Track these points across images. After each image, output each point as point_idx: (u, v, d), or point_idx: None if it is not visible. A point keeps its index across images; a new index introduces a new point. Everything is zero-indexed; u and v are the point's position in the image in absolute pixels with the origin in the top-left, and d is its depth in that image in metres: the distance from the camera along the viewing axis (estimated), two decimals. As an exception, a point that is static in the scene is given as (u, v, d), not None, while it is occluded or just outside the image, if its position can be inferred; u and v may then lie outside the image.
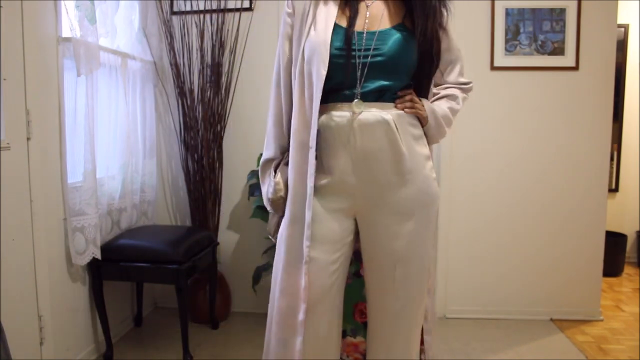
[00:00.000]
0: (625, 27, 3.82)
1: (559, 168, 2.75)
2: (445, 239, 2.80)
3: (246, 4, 2.72)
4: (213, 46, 2.67)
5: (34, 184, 1.84)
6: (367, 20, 1.30)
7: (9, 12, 1.70)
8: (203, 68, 2.68)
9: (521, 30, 2.68)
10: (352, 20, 1.29)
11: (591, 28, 2.65)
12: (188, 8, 2.72)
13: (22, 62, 1.77)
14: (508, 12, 2.68)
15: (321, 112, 1.30)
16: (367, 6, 1.32)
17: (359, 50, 1.27)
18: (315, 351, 1.34)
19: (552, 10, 2.66)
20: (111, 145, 2.34)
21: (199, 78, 2.69)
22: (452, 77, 1.45)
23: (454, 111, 1.42)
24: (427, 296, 1.43)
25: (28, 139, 1.81)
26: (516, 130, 2.74)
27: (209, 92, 2.68)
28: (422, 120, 1.35)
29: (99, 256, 2.14)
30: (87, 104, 2.05)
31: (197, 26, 2.69)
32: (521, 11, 2.67)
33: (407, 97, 1.32)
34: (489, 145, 2.76)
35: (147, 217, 2.73)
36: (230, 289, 2.85)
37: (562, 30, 2.67)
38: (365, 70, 1.28)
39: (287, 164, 1.39)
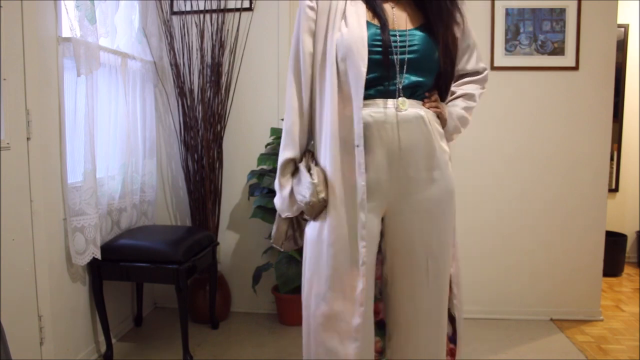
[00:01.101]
0: (625, 27, 3.81)
1: (559, 168, 2.74)
2: (445, 239, 2.80)
3: (246, 4, 2.72)
4: (213, 46, 2.67)
5: (34, 184, 1.84)
6: (394, 20, 1.33)
7: (9, 12, 1.70)
8: (203, 68, 2.68)
9: (521, 30, 2.68)
10: (384, 19, 1.31)
11: (591, 28, 2.65)
12: (188, 8, 2.72)
13: (22, 62, 1.77)
14: (508, 12, 2.68)
15: None
16: (392, 7, 1.35)
17: (395, 47, 1.30)
18: (368, 355, 1.32)
19: (552, 10, 2.66)
20: (111, 145, 2.34)
21: (199, 78, 2.69)
22: (471, 64, 1.44)
23: (470, 109, 1.43)
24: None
25: (28, 139, 1.81)
26: (516, 130, 2.74)
27: (209, 92, 2.68)
28: (442, 121, 1.38)
29: (99, 256, 2.14)
30: (87, 104, 2.05)
31: (197, 26, 2.69)
32: (521, 11, 2.67)
33: (434, 98, 1.37)
34: (489, 145, 2.76)
35: (147, 217, 2.73)
36: (230, 289, 2.85)
37: (562, 30, 2.67)
38: (405, 67, 1.30)
39: (316, 164, 1.36)
